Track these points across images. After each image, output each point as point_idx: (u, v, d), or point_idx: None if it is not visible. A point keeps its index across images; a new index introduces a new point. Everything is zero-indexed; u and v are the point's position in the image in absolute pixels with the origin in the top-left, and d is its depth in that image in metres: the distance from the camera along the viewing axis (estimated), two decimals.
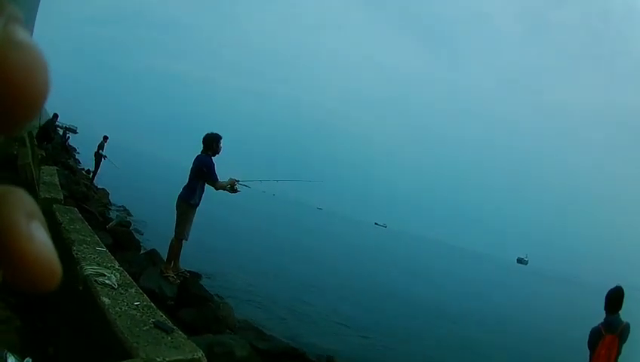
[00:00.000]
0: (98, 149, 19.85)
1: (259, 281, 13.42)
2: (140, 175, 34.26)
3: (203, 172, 7.14)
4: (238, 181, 7.30)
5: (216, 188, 7.19)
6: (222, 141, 7.34)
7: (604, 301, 5.39)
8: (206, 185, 7.30)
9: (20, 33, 0.28)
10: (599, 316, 5.53)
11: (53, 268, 0.30)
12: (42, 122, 18.84)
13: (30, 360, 3.44)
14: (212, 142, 7.24)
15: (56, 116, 19.11)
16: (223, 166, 7.62)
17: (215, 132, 7.41)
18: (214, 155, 7.29)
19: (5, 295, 4.37)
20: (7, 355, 3.28)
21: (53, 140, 19.75)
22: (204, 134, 7.38)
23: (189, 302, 7.28)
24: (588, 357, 5.51)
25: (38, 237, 0.30)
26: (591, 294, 33.44)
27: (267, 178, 8.30)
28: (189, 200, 7.18)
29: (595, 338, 5.37)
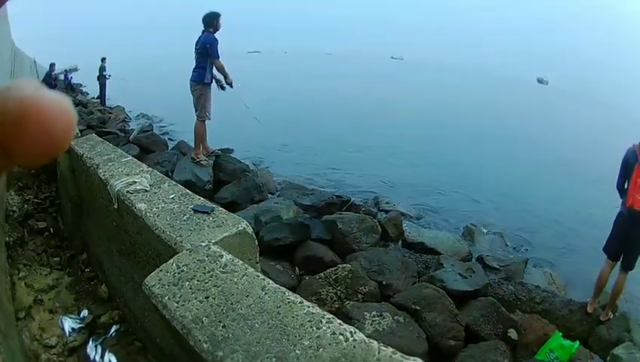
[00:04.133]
0: (99, 72, 19.79)
1: (289, 140, 13.61)
2: (150, 78, 33.72)
3: (207, 49, 7.10)
4: (233, 83, 7.44)
5: (216, 67, 7.16)
6: (221, 18, 7.20)
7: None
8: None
9: (48, 91, 0.31)
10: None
11: (69, 114, 0.32)
12: (40, 78, 18.71)
13: (87, 311, 3.70)
14: (212, 20, 7.15)
15: (52, 65, 18.98)
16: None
17: (214, 11, 7.30)
18: (215, 32, 7.21)
19: (47, 257, 4.61)
20: (64, 320, 3.52)
21: (56, 88, 19.67)
22: (204, 15, 7.29)
23: (227, 179, 7.48)
24: (618, 188, 4.91)
25: (49, 91, 0.32)
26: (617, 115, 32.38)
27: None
28: (202, 80, 7.22)
29: (631, 161, 4.67)
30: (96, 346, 3.30)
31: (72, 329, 3.51)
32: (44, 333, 3.45)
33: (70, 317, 3.64)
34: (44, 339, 3.36)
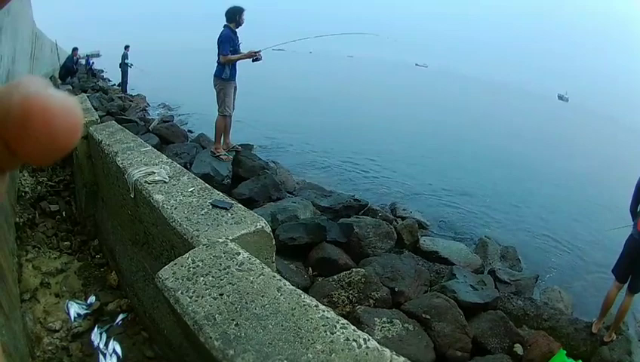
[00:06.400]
0: (122, 60, 19.93)
1: (310, 141, 13.63)
2: (173, 69, 34.04)
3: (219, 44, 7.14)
4: (259, 51, 7.19)
5: (222, 62, 7.12)
6: (244, 13, 7.19)
7: None
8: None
9: (54, 90, 0.31)
10: None
11: (75, 113, 0.31)
12: (61, 62, 18.83)
13: (94, 298, 3.69)
14: (234, 15, 7.13)
15: (75, 50, 19.08)
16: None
17: (238, 5, 7.26)
18: (237, 27, 7.20)
19: (57, 241, 4.62)
20: (69, 305, 3.51)
21: (77, 72, 19.85)
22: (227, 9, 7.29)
23: (245, 175, 7.46)
24: (631, 211, 4.92)
25: (55, 90, 0.31)
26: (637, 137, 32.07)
27: (302, 37, 7.92)
28: (220, 75, 7.22)
29: None
30: (101, 333, 3.29)
31: (78, 314, 3.51)
32: (49, 317, 3.45)
33: (76, 303, 3.63)
34: (48, 323, 3.36)
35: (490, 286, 5.54)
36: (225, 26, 7.16)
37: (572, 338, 5.07)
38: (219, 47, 7.12)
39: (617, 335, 5.01)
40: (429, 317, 4.34)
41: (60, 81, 16.46)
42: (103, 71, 29.42)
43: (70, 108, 0.31)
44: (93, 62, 25.65)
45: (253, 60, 7.23)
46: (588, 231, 9.70)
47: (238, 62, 7.29)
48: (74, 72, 18.78)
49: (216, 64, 7.27)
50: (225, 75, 7.18)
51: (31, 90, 0.30)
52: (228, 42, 7.07)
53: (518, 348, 4.58)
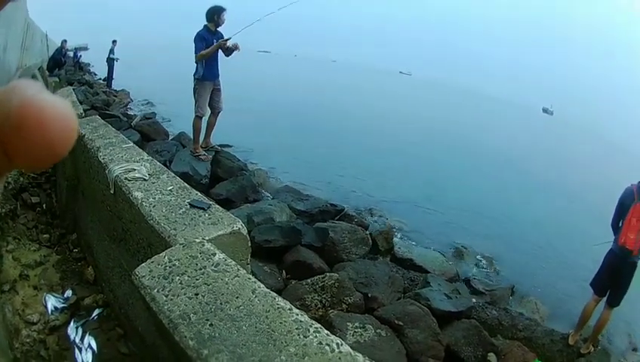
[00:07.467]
0: (109, 54, 19.80)
1: (289, 144, 13.63)
2: (158, 66, 33.77)
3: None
4: (228, 39, 7.14)
5: (197, 60, 7.08)
6: (225, 13, 7.15)
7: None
8: (219, 55, 7.26)
9: (50, 95, 0.31)
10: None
11: (70, 120, 0.32)
12: (50, 53, 18.64)
13: (71, 292, 3.68)
14: (213, 15, 7.11)
15: (64, 42, 18.93)
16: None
17: (219, 5, 7.22)
18: (217, 27, 7.18)
19: (37, 233, 4.59)
20: (47, 298, 3.50)
21: (65, 64, 19.66)
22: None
23: (224, 176, 7.48)
24: (612, 226, 5.04)
25: (51, 95, 0.31)
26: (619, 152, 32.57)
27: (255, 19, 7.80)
28: (194, 75, 7.23)
29: (628, 201, 4.80)
30: (77, 327, 3.28)
31: (55, 307, 3.49)
32: (27, 309, 3.43)
33: (54, 296, 3.62)
34: (27, 315, 3.35)
35: (465, 296, 5.63)
36: (204, 26, 7.16)
37: (548, 349, 5.14)
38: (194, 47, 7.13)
39: (595, 348, 5.11)
40: (401, 323, 4.39)
41: (47, 73, 16.30)
42: (89, 65, 29.12)
43: (65, 113, 0.31)
44: (80, 56, 25.40)
45: (228, 54, 7.23)
46: (569, 245, 9.80)
47: (218, 61, 7.26)
48: (62, 65, 18.61)
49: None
50: (198, 74, 7.17)
51: (27, 95, 0.30)
52: (200, 41, 7.05)
53: (492, 357, 4.64)
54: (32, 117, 0.30)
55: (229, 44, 7.10)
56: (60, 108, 0.31)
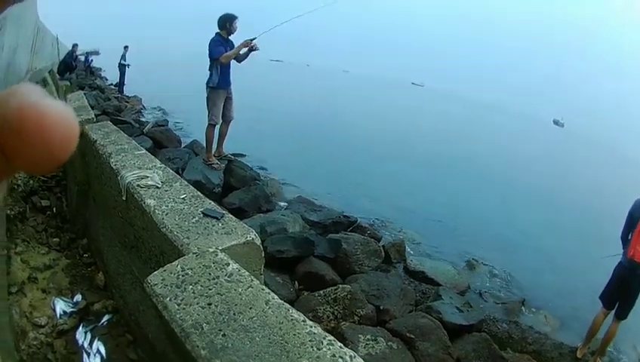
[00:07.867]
0: (120, 60, 19.93)
1: (302, 153, 13.64)
2: (171, 73, 34.07)
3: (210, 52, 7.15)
4: (254, 38, 7.15)
5: (223, 63, 7.06)
6: (237, 21, 7.18)
7: None
8: (231, 64, 7.26)
9: (52, 100, 0.31)
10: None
11: (71, 125, 0.32)
12: (61, 57, 18.80)
13: (80, 296, 3.68)
14: (225, 22, 7.15)
15: (75, 46, 19.08)
16: None
17: (230, 13, 7.26)
18: (229, 35, 7.20)
19: (46, 236, 4.60)
20: (56, 302, 3.50)
21: (76, 68, 19.82)
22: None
23: (236, 185, 7.47)
24: (622, 238, 5.01)
25: (52, 100, 0.31)
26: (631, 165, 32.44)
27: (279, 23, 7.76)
28: (207, 83, 7.23)
29: (637, 213, 4.79)
30: (85, 332, 3.28)
31: (64, 311, 3.49)
32: (35, 312, 3.43)
33: (63, 300, 3.61)
34: (34, 318, 3.34)
35: (476, 309, 5.57)
36: (216, 34, 7.18)
37: None
38: (210, 54, 7.12)
39: (602, 361, 5.08)
40: (413, 336, 4.36)
41: (58, 76, 16.43)
42: (101, 69, 29.38)
43: (66, 118, 0.31)
44: (92, 60, 25.64)
45: (241, 60, 7.25)
46: (579, 258, 9.71)
47: (230, 70, 7.27)
48: (72, 68, 18.74)
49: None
50: (212, 82, 7.17)
51: (28, 99, 0.30)
52: (217, 45, 7.07)
53: None
54: (32, 120, 0.30)
55: (256, 45, 7.13)
56: (61, 113, 0.31)
